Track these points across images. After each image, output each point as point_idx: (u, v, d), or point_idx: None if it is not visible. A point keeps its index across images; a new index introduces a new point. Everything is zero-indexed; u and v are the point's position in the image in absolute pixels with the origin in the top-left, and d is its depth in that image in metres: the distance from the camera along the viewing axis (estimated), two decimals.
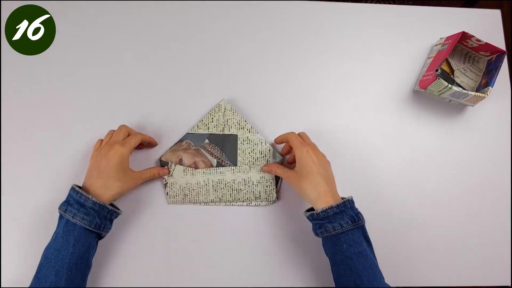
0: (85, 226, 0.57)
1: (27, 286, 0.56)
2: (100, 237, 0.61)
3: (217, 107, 0.71)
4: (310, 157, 0.61)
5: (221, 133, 0.70)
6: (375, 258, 0.59)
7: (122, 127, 0.66)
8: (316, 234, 0.60)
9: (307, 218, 0.61)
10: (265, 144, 0.70)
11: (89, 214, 0.57)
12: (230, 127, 0.70)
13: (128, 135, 0.65)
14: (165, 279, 0.65)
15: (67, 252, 0.56)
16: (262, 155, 0.70)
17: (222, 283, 0.66)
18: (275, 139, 0.69)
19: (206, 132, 0.70)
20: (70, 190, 0.59)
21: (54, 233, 0.58)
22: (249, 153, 0.70)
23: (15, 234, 0.65)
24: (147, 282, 0.65)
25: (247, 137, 0.70)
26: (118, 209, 0.61)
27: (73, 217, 0.56)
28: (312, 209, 0.61)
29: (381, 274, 0.57)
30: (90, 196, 0.58)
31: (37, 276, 0.55)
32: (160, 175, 0.68)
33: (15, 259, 0.64)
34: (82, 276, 0.58)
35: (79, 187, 0.59)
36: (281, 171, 0.66)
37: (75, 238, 0.56)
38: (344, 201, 0.58)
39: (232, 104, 0.72)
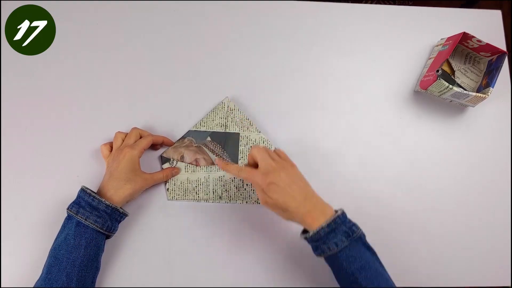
0: (97, 228, 0.57)
1: (33, 286, 0.56)
2: (107, 237, 0.61)
3: (220, 105, 0.71)
4: (275, 183, 0.56)
5: (224, 131, 0.70)
6: (380, 264, 0.57)
7: (133, 130, 0.66)
8: (316, 255, 0.57)
9: (305, 240, 0.58)
10: (267, 143, 0.70)
11: (102, 216, 0.58)
12: (232, 125, 0.70)
13: (140, 137, 0.66)
14: (165, 279, 0.65)
15: (78, 254, 0.56)
16: None
17: (222, 283, 0.65)
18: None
19: (209, 129, 0.70)
20: (80, 192, 0.59)
21: (61, 233, 0.58)
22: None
23: (15, 234, 0.65)
24: (147, 282, 0.65)
25: (249, 136, 0.70)
26: (126, 212, 0.62)
27: (85, 219, 0.57)
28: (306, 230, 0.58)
29: (388, 280, 0.55)
30: (103, 200, 0.58)
31: (47, 277, 0.55)
32: (173, 175, 0.68)
33: (15, 259, 0.64)
34: (92, 277, 0.59)
35: (90, 189, 0.60)
36: (260, 199, 0.59)
37: (86, 240, 0.57)
38: (334, 218, 0.55)
39: (234, 103, 0.72)
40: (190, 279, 0.65)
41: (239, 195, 0.69)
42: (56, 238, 0.59)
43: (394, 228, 0.70)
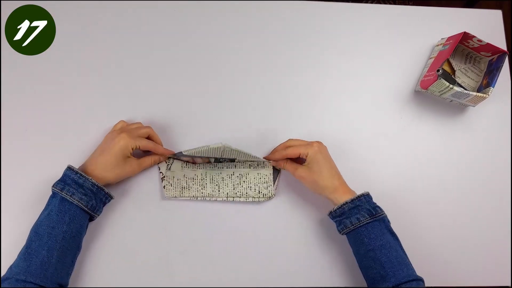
0: (82, 206, 0.57)
1: (12, 264, 0.55)
2: (91, 219, 0.61)
3: (214, 148, 0.61)
4: (322, 153, 0.63)
5: (219, 156, 0.66)
6: (403, 250, 0.59)
7: (147, 127, 0.66)
8: (339, 232, 0.62)
9: (330, 218, 0.63)
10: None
11: (87, 194, 0.58)
12: (227, 156, 0.66)
13: (147, 137, 0.65)
14: (164, 279, 0.65)
15: (60, 230, 0.56)
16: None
17: (222, 283, 0.65)
18: (272, 160, 0.67)
19: (203, 155, 0.66)
20: (66, 170, 0.60)
21: (44, 211, 0.58)
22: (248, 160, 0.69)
23: (15, 234, 0.65)
24: (146, 282, 0.64)
25: (245, 162, 0.69)
26: (112, 194, 0.62)
27: (71, 196, 0.57)
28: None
29: (409, 265, 0.58)
30: (90, 178, 0.58)
31: (26, 251, 0.55)
32: (160, 160, 0.67)
33: (15, 259, 0.64)
34: (72, 256, 0.58)
35: (76, 168, 0.59)
36: (290, 167, 0.66)
37: (70, 217, 0.56)
38: (359, 196, 0.60)
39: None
40: (189, 278, 0.65)
41: (236, 192, 0.69)
42: (38, 218, 0.58)
43: (393, 228, 0.70)
